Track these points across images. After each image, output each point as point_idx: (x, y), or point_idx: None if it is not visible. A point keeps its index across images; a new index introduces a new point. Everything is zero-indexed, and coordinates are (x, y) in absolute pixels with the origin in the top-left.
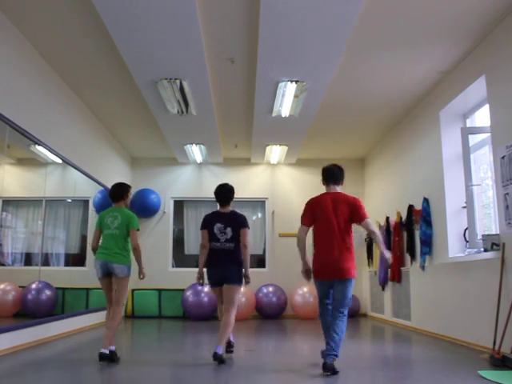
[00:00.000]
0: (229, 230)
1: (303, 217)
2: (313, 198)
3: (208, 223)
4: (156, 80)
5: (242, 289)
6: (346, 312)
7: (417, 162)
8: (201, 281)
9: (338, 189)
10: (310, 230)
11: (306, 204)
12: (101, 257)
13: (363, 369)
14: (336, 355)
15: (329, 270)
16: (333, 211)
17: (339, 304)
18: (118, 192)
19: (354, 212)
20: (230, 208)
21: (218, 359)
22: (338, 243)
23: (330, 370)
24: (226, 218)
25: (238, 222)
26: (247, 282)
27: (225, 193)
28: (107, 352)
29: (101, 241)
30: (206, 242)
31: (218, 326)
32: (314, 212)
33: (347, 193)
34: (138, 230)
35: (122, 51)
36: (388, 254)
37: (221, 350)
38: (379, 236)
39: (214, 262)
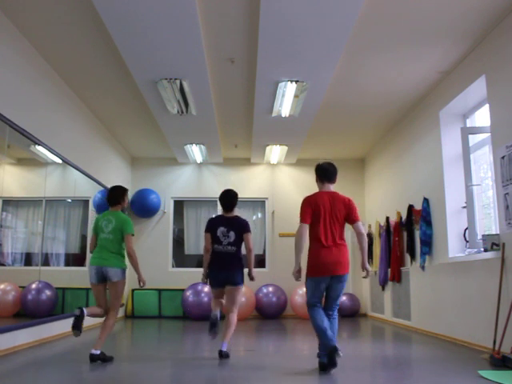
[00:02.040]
0: (232, 233)
1: (304, 214)
2: (310, 196)
3: (212, 227)
4: (156, 80)
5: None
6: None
7: (417, 161)
8: (205, 280)
9: (332, 187)
10: None
11: (305, 201)
12: (94, 262)
13: (363, 369)
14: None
15: (328, 266)
16: (332, 210)
17: (333, 303)
18: (113, 196)
19: (350, 213)
20: (234, 213)
21: (224, 356)
22: (337, 240)
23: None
24: (229, 223)
25: (241, 227)
26: (252, 280)
27: (230, 199)
28: (97, 353)
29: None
30: (209, 244)
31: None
32: (313, 210)
33: (347, 193)
34: (133, 235)
35: (122, 51)
36: (369, 267)
37: (225, 347)
38: (366, 241)
39: (216, 265)
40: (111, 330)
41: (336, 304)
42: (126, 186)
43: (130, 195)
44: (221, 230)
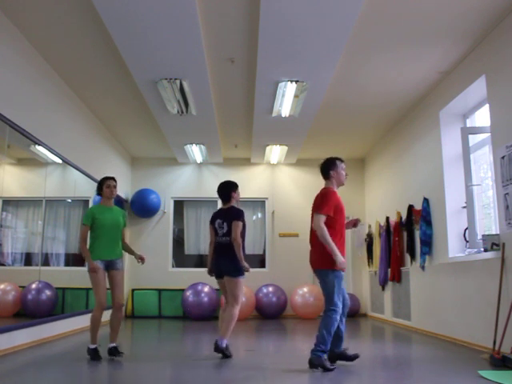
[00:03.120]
0: (225, 225)
1: None
2: None
3: (212, 219)
4: (156, 80)
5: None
6: (330, 308)
7: (417, 161)
8: (211, 274)
9: (330, 183)
10: None
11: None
12: None
13: (363, 369)
14: (321, 350)
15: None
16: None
17: (324, 299)
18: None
19: (314, 202)
20: (232, 204)
21: (220, 351)
22: (312, 235)
23: (312, 366)
24: (224, 214)
25: (230, 216)
26: (246, 271)
27: (226, 189)
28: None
29: None
30: (212, 237)
31: (218, 326)
32: None
33: (347, 192)
34: (84, 224)
35: (122, 51)
36: (340, 259)
37: (223, 343)
38: (320, 235)
39: (215, 255)
40: (92, 322)
41: (327, 301)
42: (126, 186)
43: (130, 195)
44: (217, 222)
